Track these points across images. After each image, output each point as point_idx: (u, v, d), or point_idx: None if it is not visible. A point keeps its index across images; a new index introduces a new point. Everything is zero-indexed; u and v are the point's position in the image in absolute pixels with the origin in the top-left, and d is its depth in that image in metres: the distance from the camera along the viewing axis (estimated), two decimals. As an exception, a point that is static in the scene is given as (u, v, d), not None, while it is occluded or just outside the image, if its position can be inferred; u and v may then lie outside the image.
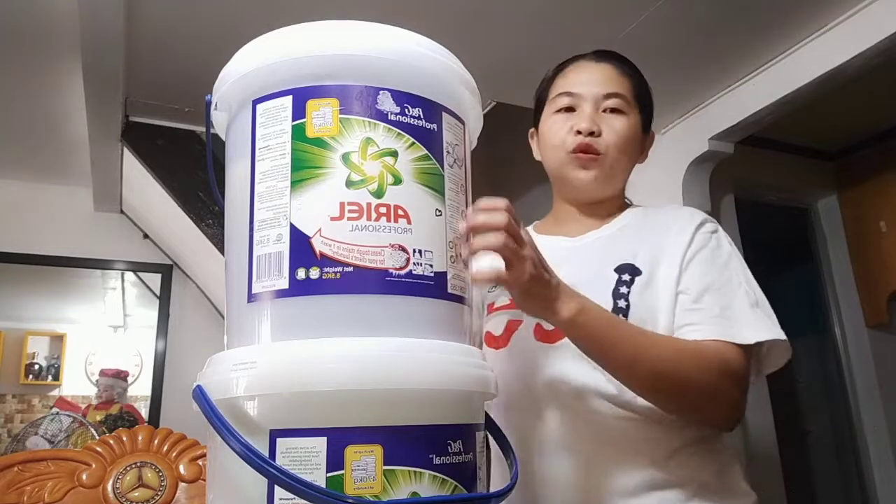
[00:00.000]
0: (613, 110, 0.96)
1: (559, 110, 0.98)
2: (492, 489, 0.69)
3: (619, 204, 1.03)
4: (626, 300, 0.86)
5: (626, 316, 0.85)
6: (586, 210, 1.02)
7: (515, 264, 0.69)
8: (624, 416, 0.84)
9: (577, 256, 0.96)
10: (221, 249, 0.73)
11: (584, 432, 0.85)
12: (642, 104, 0.99)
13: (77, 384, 3.30)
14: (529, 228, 1.08)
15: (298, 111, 0.65)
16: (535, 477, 0.87)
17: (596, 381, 0.84)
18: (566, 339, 0.83)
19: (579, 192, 1.00)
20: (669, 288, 0.86)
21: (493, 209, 0.69)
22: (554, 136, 0.98)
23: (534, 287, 0.71)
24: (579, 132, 0.94)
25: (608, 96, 0.96)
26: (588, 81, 0.97)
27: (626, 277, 0.88)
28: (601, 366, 0.80)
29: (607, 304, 0.85)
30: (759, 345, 0.85)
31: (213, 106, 0.74)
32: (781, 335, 0.85)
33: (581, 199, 1.01)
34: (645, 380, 0.79)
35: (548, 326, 0.89)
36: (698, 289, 0.86)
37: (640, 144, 1.00)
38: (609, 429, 0.84)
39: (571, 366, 0.85)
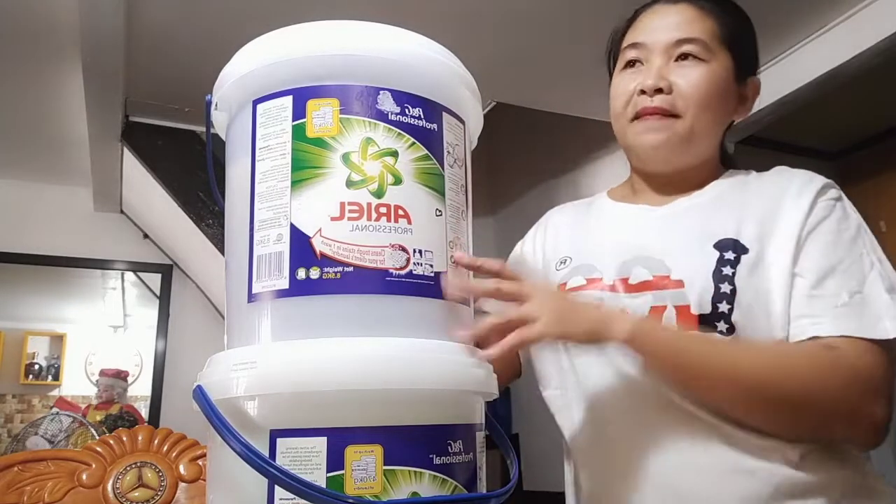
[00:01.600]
0: (686, 57, 0.79)
1: (625, 66, 0.83)
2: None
3: (709, 171, 0.85)
4: (732, 283, 0.71)
5: (730, 303, 0.70)
6: (663, 186, 0.85)
7: (530, 320, 0.65)
8: None
9: (665, 227, 0.81)
10: (221, 249, 0.73)
11: (702, 431, 0.71)
12: (734, 46, 0.81)
13: (77, 384, 3.30)
14: (602, 195, 0.94)
15: (299, 111, 0.65)
16: (650, 492, 0.73)
17: None
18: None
19: (648, 163, 0.83)
20: (783, 268, 0.71)
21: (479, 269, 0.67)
22: (616, 99, 0.83)
23: (566, 328, 0.67)
24: (643, 91, 0.79)
25: (681, 42, 0.79)
26: (658, 27, 0.81)
27: (729, 256, 0.73)
28: (680, 393, 0.70)
29: (707, 288, 0.71)
30: None
31: (213, 106, 0.73)
32: None
33: (653, 171, 0.84)
34: (735, 404, 0.68)
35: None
36: (820, 270, 0.70)
37: (731, 96, 0.82)
38: (731, 423, 0.70)
39: None
